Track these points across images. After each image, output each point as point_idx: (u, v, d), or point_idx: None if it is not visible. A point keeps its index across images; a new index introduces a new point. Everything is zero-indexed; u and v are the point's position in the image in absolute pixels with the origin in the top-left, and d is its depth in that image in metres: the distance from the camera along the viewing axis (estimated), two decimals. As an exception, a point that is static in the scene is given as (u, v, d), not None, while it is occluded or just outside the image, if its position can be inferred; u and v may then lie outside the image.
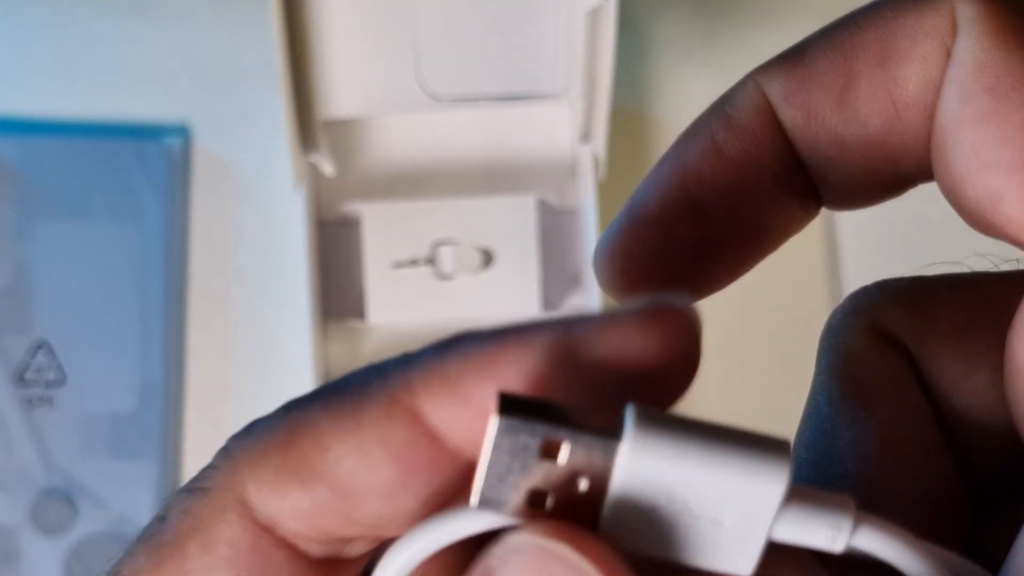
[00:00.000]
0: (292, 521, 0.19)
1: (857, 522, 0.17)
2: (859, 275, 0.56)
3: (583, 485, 0.16)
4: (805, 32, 0.56)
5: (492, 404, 0.16)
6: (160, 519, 0.20)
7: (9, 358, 0.55)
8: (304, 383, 0.52)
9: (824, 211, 0.27)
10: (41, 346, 0.55)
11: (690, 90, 0.59)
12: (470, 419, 0.17)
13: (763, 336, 0.58)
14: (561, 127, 0.55)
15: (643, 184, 0.24)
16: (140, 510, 0.54)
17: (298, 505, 0.18)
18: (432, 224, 0.53)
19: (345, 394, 0.19)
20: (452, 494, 0.19)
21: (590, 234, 0.52)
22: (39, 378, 0.55)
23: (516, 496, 0.16)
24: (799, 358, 0.54)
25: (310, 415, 0.18)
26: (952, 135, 0.21)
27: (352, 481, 0.18)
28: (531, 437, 0.16)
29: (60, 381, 0.55)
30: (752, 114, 0.23)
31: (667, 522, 0.17)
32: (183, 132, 0.58)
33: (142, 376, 0.56)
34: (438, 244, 0.53)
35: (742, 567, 0.18)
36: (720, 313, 0.54)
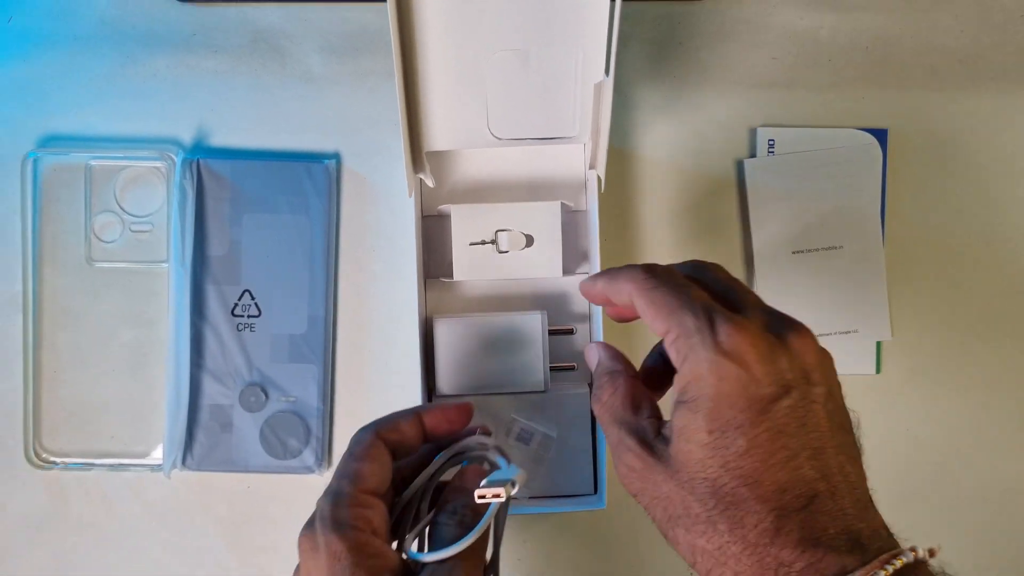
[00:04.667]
0: None
1: None
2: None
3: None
4: (740, 94, 0.63)
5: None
6: None
7: (226, 300, 0.60)
8: (412, 320, 0.55)
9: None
10: (246, 291, 0.60)
11: (658, 134, 0.62)
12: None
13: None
14: (577, 158, 0.58)
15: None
16: (309, 396, 0.60)
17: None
18: (494, 218, 0.56)
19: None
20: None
21: (594, 227, 0.55)
22: (244, 312, 0.60)
23: None
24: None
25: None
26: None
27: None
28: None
29: (257, 314, 0.60)
30: None
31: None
32: (336, 157, 0.61)
33: (310, 311, 0.60)
34: (498, 231, 0.56)
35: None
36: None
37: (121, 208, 0.61)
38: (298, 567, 0.41)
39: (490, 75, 0.51)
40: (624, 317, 0.45)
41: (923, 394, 0.63)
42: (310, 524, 0.41)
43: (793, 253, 0.61)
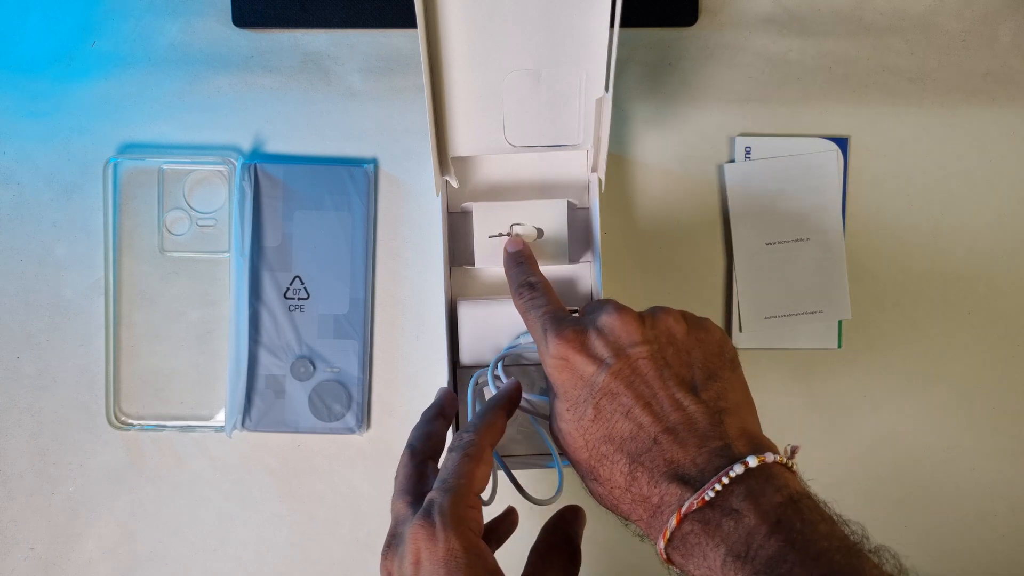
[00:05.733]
0: None
1: None
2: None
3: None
4: (721, 108, 0.63)
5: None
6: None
7: (279, 284, 0.62)
8: (439, 301, 0.59)
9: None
10: (296, 277, 0.62)
11: (651, 142, 0.64)
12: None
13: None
14: (581, 163, 0.60)
15: None
16: (350, 367, 0.62)
17: None
18: (510, 214, 0.57)
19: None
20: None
21: (596, 221, 0.57)
22: (295, 295, 0.62)
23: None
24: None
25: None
26: None
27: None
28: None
29: (306, 297, 0.62)
30: None
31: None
32: (374, 162, 0.63)
33: (352, 294, 0.62)
34: (513, 224, 0.57)
35: None
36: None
37: (189, 206, 0.64)
38: (400, 546, 0.42)
39: (506, 91, 0.53)
40: None
41: (878, 365, 0.66)
42: (427, 514, 0.41)
43: (767, 244, 0.64)
